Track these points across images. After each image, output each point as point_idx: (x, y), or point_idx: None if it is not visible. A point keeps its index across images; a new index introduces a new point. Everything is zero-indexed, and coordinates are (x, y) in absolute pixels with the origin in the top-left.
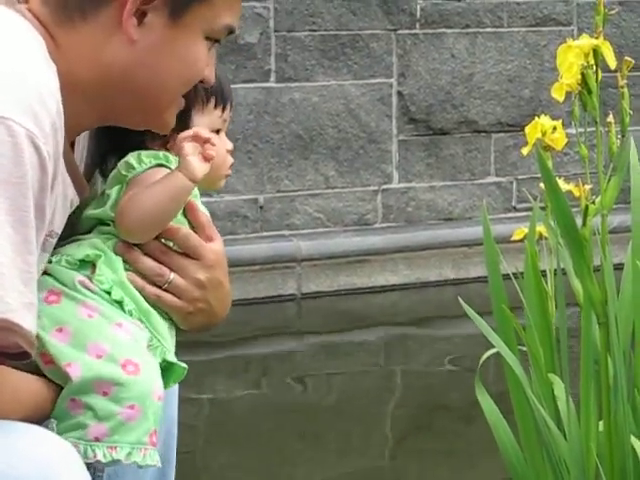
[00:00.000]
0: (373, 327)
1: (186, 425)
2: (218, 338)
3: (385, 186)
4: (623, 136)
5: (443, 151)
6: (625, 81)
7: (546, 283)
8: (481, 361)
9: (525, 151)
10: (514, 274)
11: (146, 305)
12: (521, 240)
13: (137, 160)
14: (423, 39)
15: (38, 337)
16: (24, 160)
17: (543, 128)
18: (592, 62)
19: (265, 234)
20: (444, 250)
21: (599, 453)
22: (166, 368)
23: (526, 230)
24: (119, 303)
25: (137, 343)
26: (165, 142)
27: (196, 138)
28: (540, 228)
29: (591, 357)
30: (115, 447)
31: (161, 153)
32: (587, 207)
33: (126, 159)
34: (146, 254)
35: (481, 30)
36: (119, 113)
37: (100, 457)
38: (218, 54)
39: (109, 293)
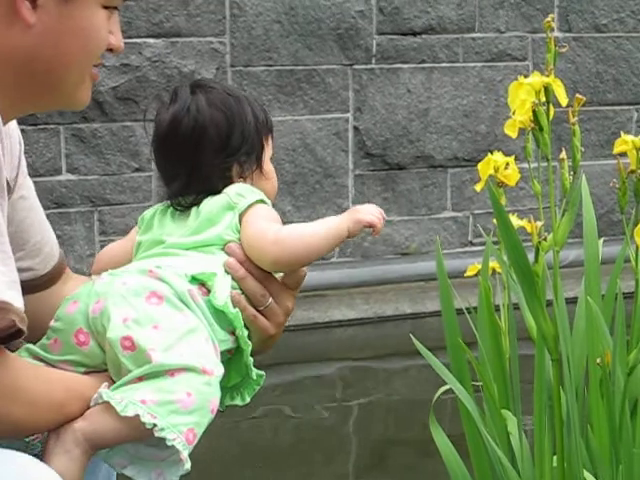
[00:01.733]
0: (330, 361)
1: None
2: None
3: None
4: (574, 172)
5: (399, 186)
6: (577, 118)
7: (500, 318)
8: (434, 398)
9: (478, 187)
10: (467, 309)
11: (242, 324)
12: (475, 275)
13: (246, 190)
14: (379, 74)
15: (129, 328)
16: None
17: (496, 164)
18: (543, 99)
19: None
20: (401, 285)
21: None
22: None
23: (479, 266)
24: (230, 318)
25: (216, 360)
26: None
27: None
28: (494, 263)
29: (544, 392)
30: (156, 416)
31: (256, 189)
32: (539, 244)
33: (235, 189)
34: (252, 275)
35: (437, 65)
36: (31, 98)
37: (139, 414)
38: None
39: (222, 311)
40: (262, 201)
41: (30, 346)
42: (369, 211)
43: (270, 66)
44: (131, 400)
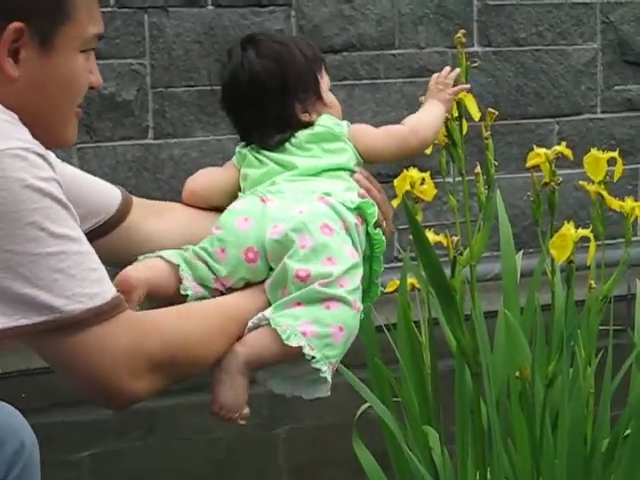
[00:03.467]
0: (254, 381)
1: None
2: None
3: None
4: (489, 186)
5: None
6: (489, 132)
7: (421, 333)
8: (357, 415)
9: (395, 203)
10: (387, 325)
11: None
12: (394, 291)
13: (334, 119)
14: None
15: (308, 259)
16: None
17: (412, 180)
18: (456, 114)
19: None
20: None
21: None
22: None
23: (398, 282)
24: (378, 245)
25: (361, 295)
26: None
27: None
28: (412, 279)
29: (466, 407)
30: (314, 348)
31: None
32: (455, 258)
33: (324, 123)
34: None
35: (358, 82)
36: None
37: (302, 345)
38: (95, 111)
39: (375, 238)
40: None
41: (198, 250)
42: (447, 87)
43: (191, 86)
44: (294, 330)
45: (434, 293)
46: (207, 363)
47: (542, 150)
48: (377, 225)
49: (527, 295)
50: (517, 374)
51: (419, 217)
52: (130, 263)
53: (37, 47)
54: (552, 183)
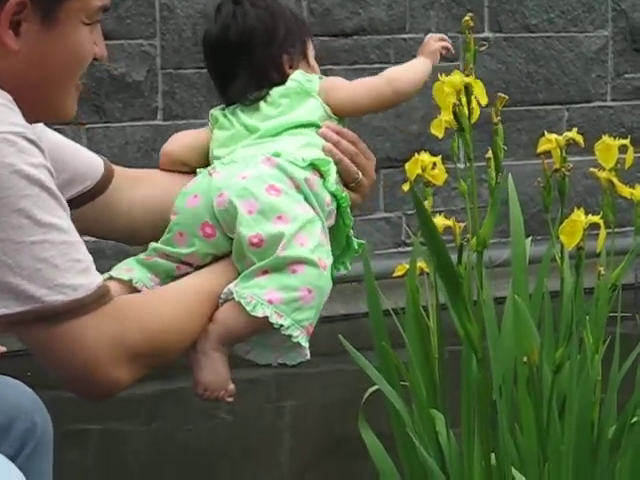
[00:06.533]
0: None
1: None
2: None
3: None
4: (498, 172)
5: None
6: (500, 118)
7: (429, 318)
8: (364, 398)
9: (405, 187)
10: (395, 310)
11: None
12: (403, 276)
13: (307, 74)
14: None
15: (257, 223)
16: None
17: (423, 164)
18: (464, 99)
19: None
20: (334, 286)
21: None
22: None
23: (407, 266)
24: (339, 198)
25: (329, 250)
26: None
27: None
28: (421, 263)
29: (473, 392)
30: (282, 315)
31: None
32: (461, 245)
33: (298, 75)
34: (344, 155)
35: (368, 66)
36: (23, 113)
37: (268, 315)
38: (105, 92)
39: (335, 193)
40: (321, 78)
41: (155, 245)
42: (433, 41)
43: (201, 68)
44: (259, 300)
45: (440, 279)
46: (185, 346)
47: (553, 136)
48: (351, 180)
49: (535, 281)
50: (525, 359)
51: (430, 202)
52: (114, 231)
53: (39, 20)
54: (563, 169)
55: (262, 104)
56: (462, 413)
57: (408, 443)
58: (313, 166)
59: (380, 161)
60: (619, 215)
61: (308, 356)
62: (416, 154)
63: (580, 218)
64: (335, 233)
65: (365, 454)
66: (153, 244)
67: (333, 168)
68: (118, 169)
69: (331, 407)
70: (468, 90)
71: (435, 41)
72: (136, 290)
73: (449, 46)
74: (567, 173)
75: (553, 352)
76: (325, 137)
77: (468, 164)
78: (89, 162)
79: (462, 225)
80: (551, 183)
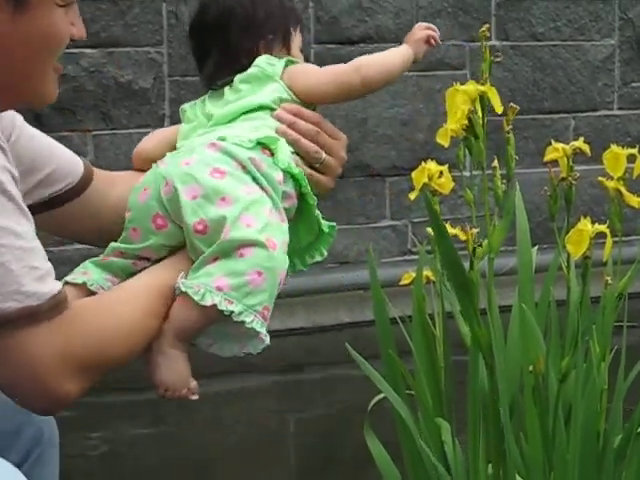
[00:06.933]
0: (268, 371)
1: None
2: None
3: None
4: (509, 181)
5: (338, 195)
6: (511, 127)
7: (435, 326)
8: (370, 406)
9: (412, 196)
10: (401, 318)
11: (307, 181)
12: (409, 284)
13: (273, 58)
14: None
15: (201, 208)
16: None
17: (430, 173)
18: (479, 107)
19: None
20: (339, 294)
21: None
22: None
23: (414, 274)
24: (295, 177)
25: (283, 229)
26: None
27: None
28: (427, 272)
29: (479, 400)
30: (232, 301)
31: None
32: (474, 250)
33: (262, 59)
34: (302, 135)
35: None
36: (3, 99)
37: (216, 302)
38: (112, 99)
39: (287, 170)
40: (292, 62)
41: (113, 244)
42: (419, 29)
43: None
44: (208, 288)
45: (451, 285)
46: (140, 349)
47: (560, 145)
48: (314, 160)
49: (541, 290)
50: (531, 368)
51: (437, 210)
52: (83, 232)
53: (12, 6)
54: (569, 178)
55: (226, 90)
56: (468, 421)
57: (414, 451)
58: (263, 145)
59: (386, 169)
60: (625, 224)
61: (267, 341)
62: (422, 162)
63: (587, 227)
64: (305, 216)
65: (371, 462)
66: (112, 244)
67: (283, 145)
68: (96, 169)
69: (337, 415)
70: (483, 99)
71: (421, 29)
72: (92, 293)
73: (435, 35)
74: (574, 182)
75: (559, 361)
76: (279, 118)
77: (480, 172)
78: (69, 158)
79: (474, 231)
80: (558, 192)
